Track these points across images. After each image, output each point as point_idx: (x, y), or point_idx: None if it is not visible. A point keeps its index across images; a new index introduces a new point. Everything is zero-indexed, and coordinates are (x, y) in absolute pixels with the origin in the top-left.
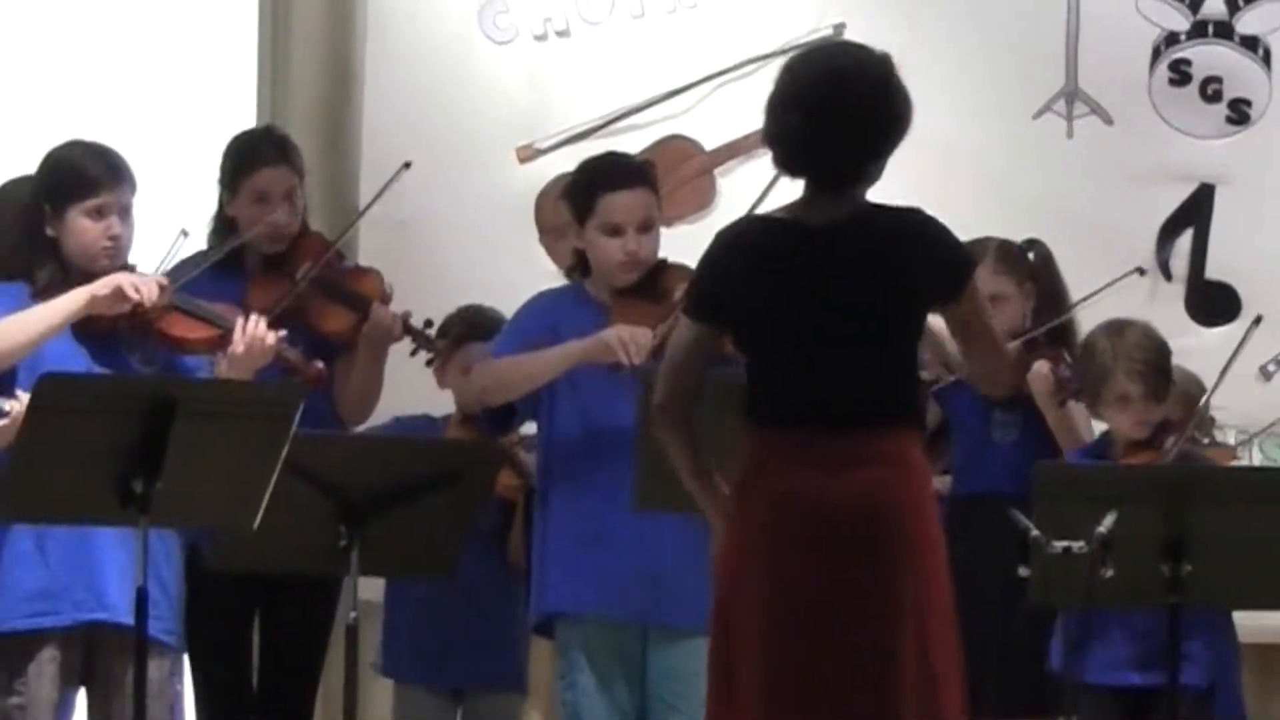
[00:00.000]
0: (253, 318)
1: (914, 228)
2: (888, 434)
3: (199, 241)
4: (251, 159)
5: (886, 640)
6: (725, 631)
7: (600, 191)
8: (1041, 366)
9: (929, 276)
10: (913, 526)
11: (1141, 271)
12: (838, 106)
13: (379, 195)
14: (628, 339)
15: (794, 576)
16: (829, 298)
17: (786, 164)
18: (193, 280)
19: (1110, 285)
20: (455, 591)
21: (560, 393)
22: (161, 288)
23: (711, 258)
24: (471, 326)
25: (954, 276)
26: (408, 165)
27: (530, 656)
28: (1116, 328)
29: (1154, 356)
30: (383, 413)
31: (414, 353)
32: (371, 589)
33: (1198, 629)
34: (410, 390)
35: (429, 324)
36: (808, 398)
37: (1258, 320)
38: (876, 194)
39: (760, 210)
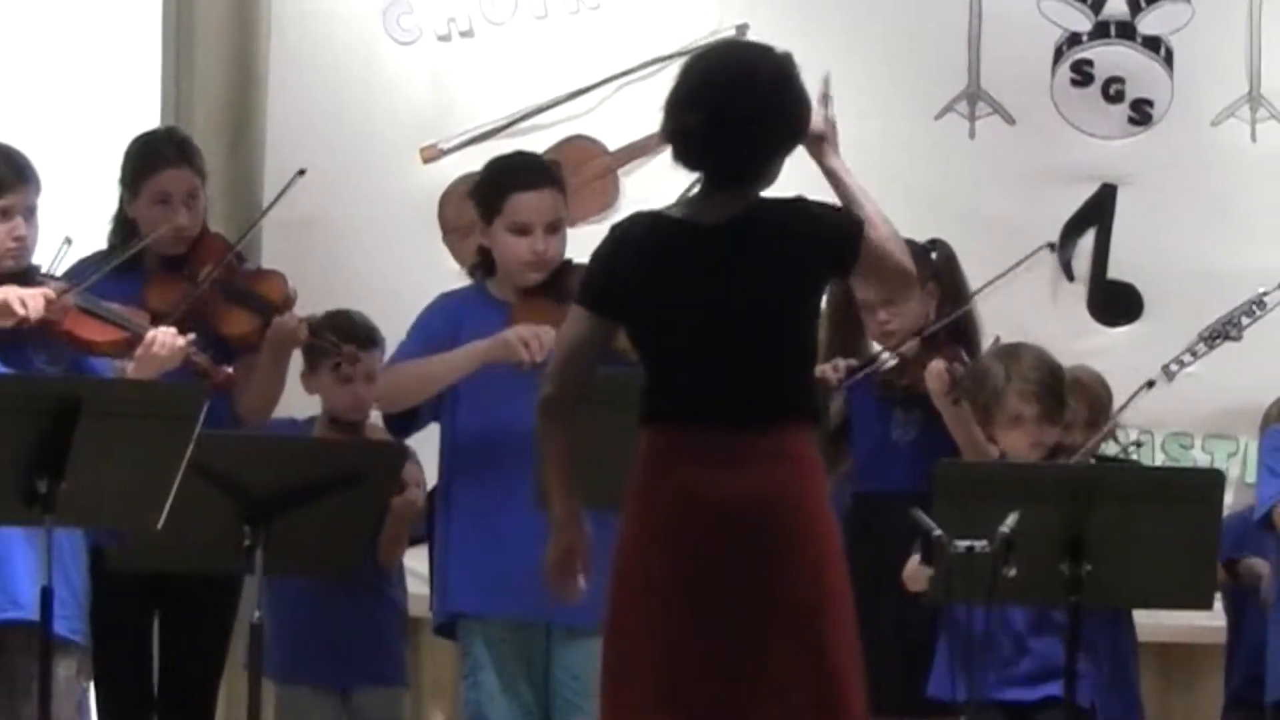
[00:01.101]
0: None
1: (799, 214)
2: (783, 430)
3: (85, 247)
4: (153, 160)
5: (779, 638)
6: (619, 630)
7: (509, 191)
8: (937, 365)
9: (823, 257)
10: (808, 522)
11: (1052, 247)
12: (737, 105)
13: (276, 200)
14: (529, 337)
15: (690, 573)
16: (722, 296)
17: (686, 161)
18: (93, 282)
19: (1020, 264)
20: (330, 590)
21: (462, 393)
22: (49, 300)
23: (605, 252)
24: (345, 334)
25: (848, 244)
26: (302, 172)
27: (432, 655)
28: (1010, 350)
29: (1047, 378)
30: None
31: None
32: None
33: (1085, 646)
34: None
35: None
36: (702, 396)
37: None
38: (780, 192)
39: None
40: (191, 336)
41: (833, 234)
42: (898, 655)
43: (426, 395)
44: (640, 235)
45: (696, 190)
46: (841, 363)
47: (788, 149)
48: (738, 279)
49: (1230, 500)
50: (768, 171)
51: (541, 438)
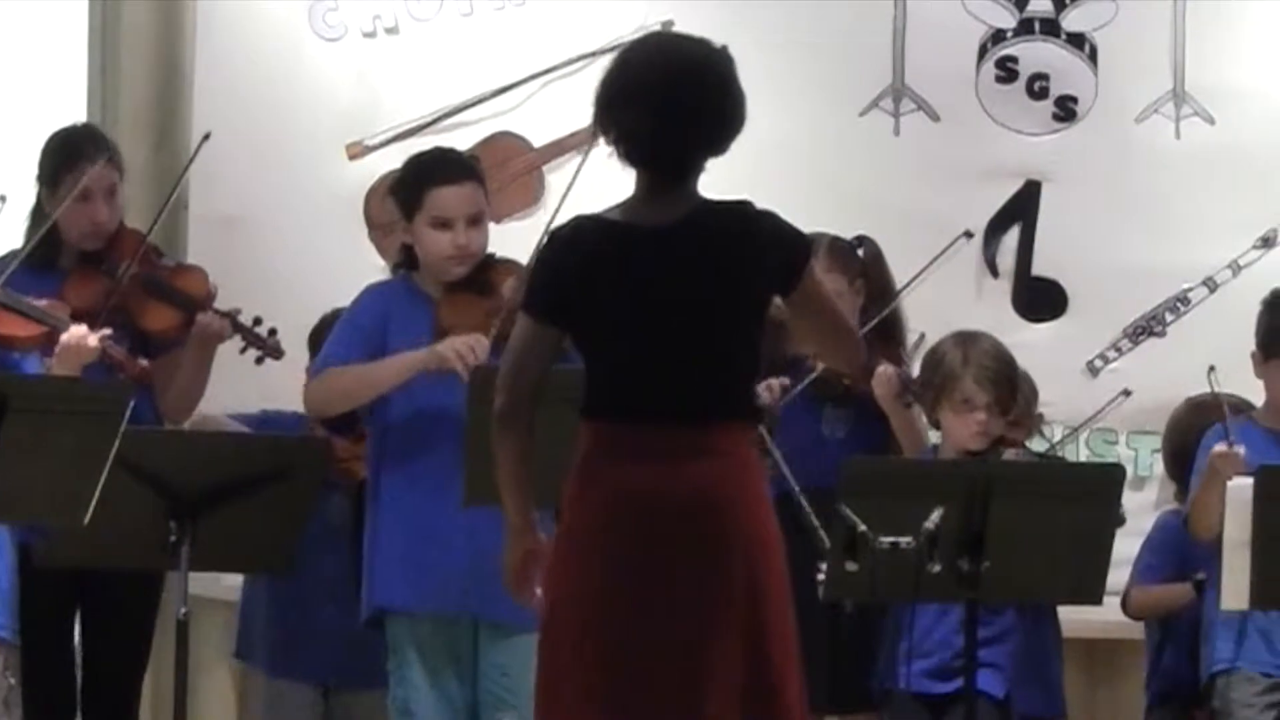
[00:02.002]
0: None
1: (749, 222)
2: (723, 429)
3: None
4: (73, 156)
5: (717, 634)
6: (557, 625)
7: (429, 186)
8: (887, 368)
9: (767, 270)
10: (748, 520)
11: (969, 235)
12: (683, 101)
13: (184, 171)
14: (464, 350)
15: (629, 571)
16: (666, 298)
17: (630, 159)
18: (9, 277)
19: (941, 255)
20: (313, 586)
21: (391, 396)
22: None
23: (547, 257)
24: None
25: (792, 265)
26: (207, 136)
27: None
28: (968, 336)
29: (1003, 367)
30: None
31: (244, 350)
32: (207, 585)
33: (1000, 639)
34: (241, 387)
35: (258, 321)
36: (644, 394)
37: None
38: (705, 192)
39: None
40: (106, 331)
41: (783, 248)
42: (825, 650)
43: (357, 404)
44: (584, 239)
45: (636, 190)
46: (775, 383)
47: (724, 144)
48: (683, 281)
49: (1155, 496)
50: (690, 160)
51: (497, 447)
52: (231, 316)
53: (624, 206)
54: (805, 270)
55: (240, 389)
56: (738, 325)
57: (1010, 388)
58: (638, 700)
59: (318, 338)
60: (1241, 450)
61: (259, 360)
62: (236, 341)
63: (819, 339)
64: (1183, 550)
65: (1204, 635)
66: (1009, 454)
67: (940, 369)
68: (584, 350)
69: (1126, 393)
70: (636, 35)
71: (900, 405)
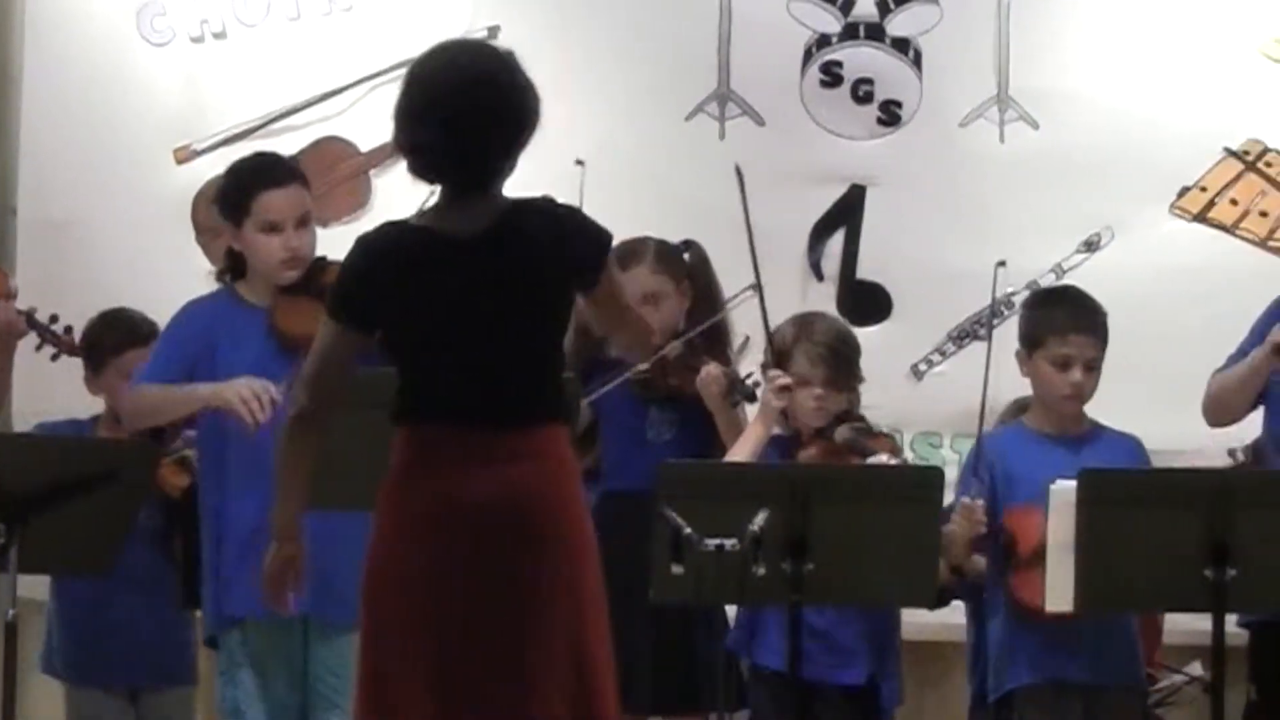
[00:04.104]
0: None
1: (555, 223)
2: (537, 431)
3: None
4: None
5: (540, 634)
6: (375, 630)
7: (256, 191)
8: (713, 368)
9: (574, 269)
10: (564, 521)
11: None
12: (468, 114)
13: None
14: (249, 398)
15: (447, 573)
16: (477, 303)
17: (424, 173)
18: None
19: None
20: (121, 590)
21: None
22: None
23: (354, 264)
24: (127, 332)
25: (596, 262)
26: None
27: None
28: (804, 317)
29: (837, 344)
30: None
31: (39, 347)
32: (31, 588)
33: (860, 630)
34: (50, 389)
35: (54, 319)
36: (460, 398)
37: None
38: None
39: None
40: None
41: (584, 244)
42: (649, 653)
43: (163, 422)
44: (392, 246)
45: (441, 198)
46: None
47: (523, 145)
48: (494, 287)
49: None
50: (506, 168)
51: (285, 448)
52: (28, 314)
53: (431, 213)
54: (607, 266)
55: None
56: (549, 326)
57: (846, 364)
58: (464, 703)
59: (91, 342)
60: (980, 504)
61: (54, 357)
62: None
63: (611, 326)
64: None
65: (991, 654)
66: (840, 429)
67: (776, 348)
68: (396, 356)
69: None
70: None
71: (728, 405)
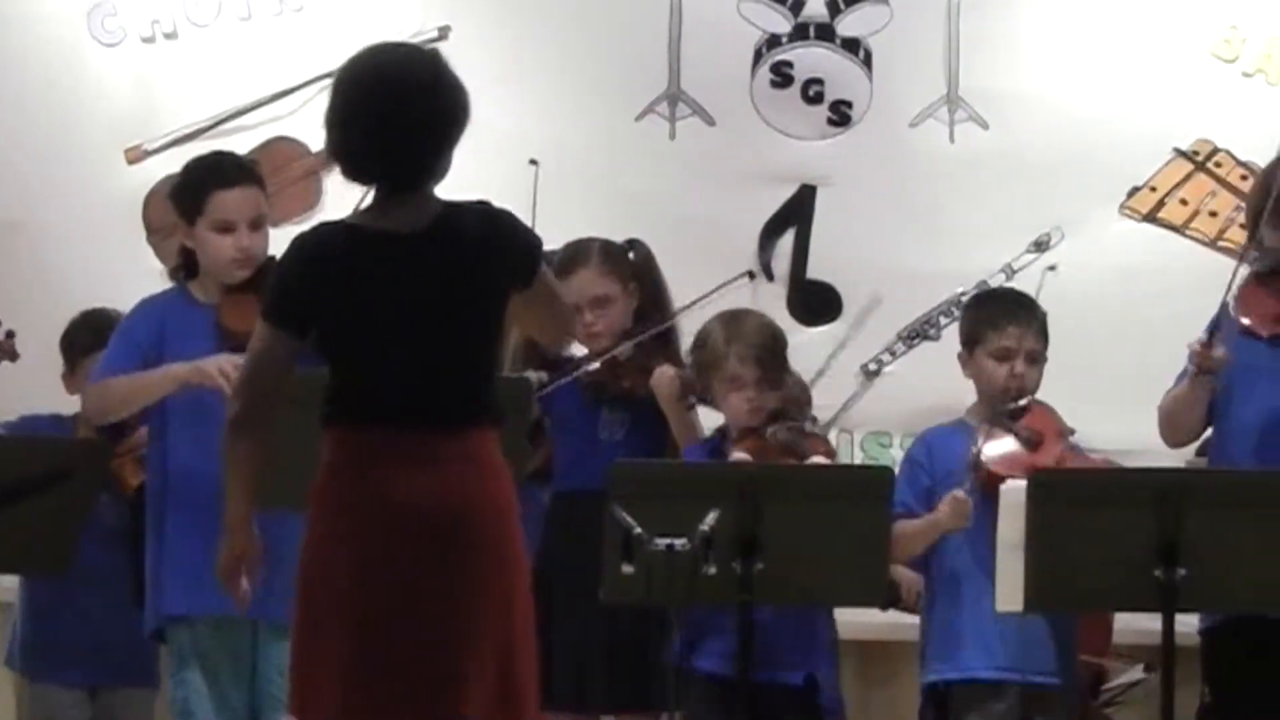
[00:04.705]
0: None
1: (490, 224)
2: (468, 434)
3: None
4: None
5: (467, 637)
6: (305, 628)
7: (211, 190)
8: (667, 370)
9: (509, 271)
10: (493, 525)
11: (751, 275)
12: (395, 117)
13: None
14: (229, 369)
15: (377, 574)
16: (410, 305)
17: (356, 177)
18: None
19: (720, 288)
20: (80, 587)
21: (171, 408)
22: None
23: (290, 265)
24: (103, 332)
25: (530, 265)
26: None
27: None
28: (733, 315)
29: (768, 342)
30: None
31: None
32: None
33: (794, 630)
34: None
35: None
36: (390, 400)
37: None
38: (479, 197)
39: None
40: None
41: (522, 249)
42: (604, 652)
43: (130, 412)
44: (326, 246)
45: (375, 198)
46: (531, 376)
47: (453, 143)
48: (429, 287)
49: None
50: (438, 167)
51: (228, 449)
52: None
53: (366, 212)
54: (540, 268)
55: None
56: (484, 328)
57: (778, 362)
58: (390, 704)
59: (69, 340)
60: (969, 499)
61: None
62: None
63: (542, 324)
64: None
65: (927, 644)
66: (772, 429)
67: (706, 349)
68: (329, 357)
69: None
70: (414, 40)
71: (682, 407)
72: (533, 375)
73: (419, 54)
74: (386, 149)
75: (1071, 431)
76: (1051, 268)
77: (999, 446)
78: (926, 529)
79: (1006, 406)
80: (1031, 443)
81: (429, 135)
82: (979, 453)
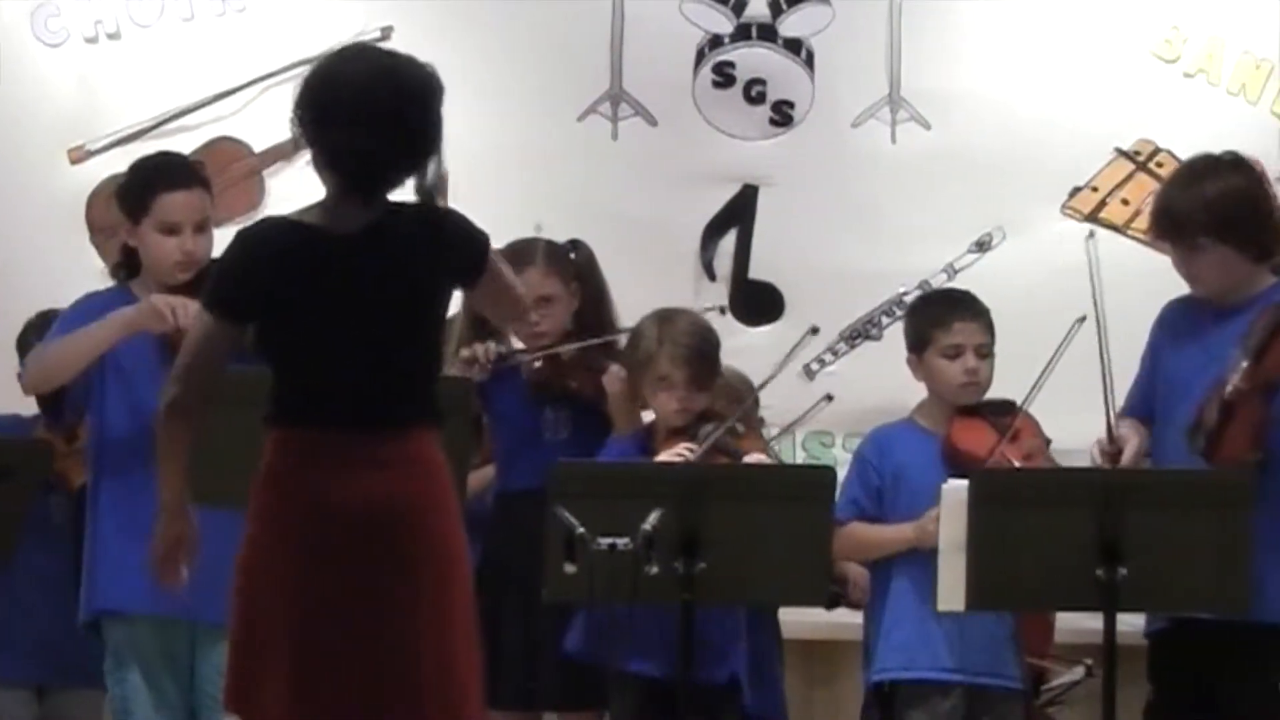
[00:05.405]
0: None
1: (434, 224)
2: (409, 435)
3: None
4: None
5: (408, 637)
6: (243, 627)
7: (157, 191)
8: (619, 370)
9: (452, 270)
10: (435, 526)
11: (723, 310)
12: (407, 123)
13: None
14: (175, 302)
15: (317, 576)
16: (352, 303)
17: (331, 168)
18: None
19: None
20: (31, 588)
21: (110, 388)
22: None
23: (233, 258)
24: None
25: (476, 263)
26: None
27: None
28: (665, 315)
29: (700, 344)
30: None
31: None
32: None
33: (721, 627)
34: None
35: None
36: (330, 400)
37: (814, 331)
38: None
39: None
40: None
41: (462, 247)
42: (552, 652)
43: (74, 371)
44: (270, 241)
45: (327, 196)
46: (493, 346)
47: (417, 166)
48: (370, 286)
49: None
50: (398, 182)
51: (162, 435)
52: None
53: (314, 210)
54: (488, 264)
55: None
56: (426, 329)
57: (708, 363)
58: (326, 702)
59: (24, 340)
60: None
61: None
62: None
63: (495, 307)
64: None
65: (873, 643)
66: (704, 430)
67: (639, 348)
68: (270, 356)
69: (829, 397)
70: (356, 40)
71: (634, 406)
72: (483, 349)
73: (429, 71)
74: (379, 153)
75: (1049, 441)
76: (1091, 235)
77: (970, 433)
78: (893, 542)
79: (990, 401)
80: (1005, 431)
81: (418, 151)
82: (952, 441)
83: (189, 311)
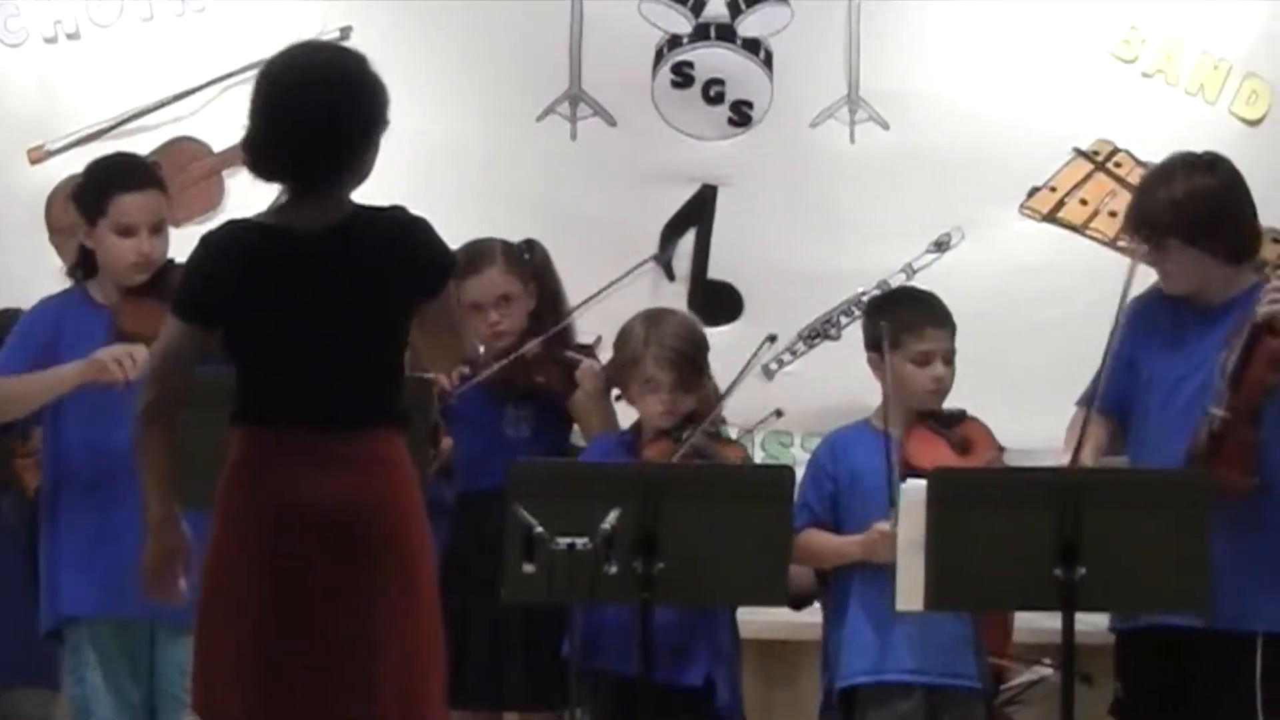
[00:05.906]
0: None
1: (399, 231)
2: (373, 435)
3: None
4: None
5: (372, 637)
6: (211, 630)
7: (113, 192)
8: (593, 365)
9: (415, 278)
10: (398, 525)
11: (656, 259)
12: (301, 115)
13: None
14: (121, 356)
15: (281, 575)
16: (317, 303)
17: (264, 173)
18: None
19: (622, 278)
20: None
21: (65, 407)
22: None
23: (199, 261)
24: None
25: (439, 276)
26: None
27: None
28: (655, 315)
29: (686, 347)
30: None
31: None
32: None
33: (696, 629)
34: None
35: None
36: (295, 399)
37: (772, 339)
38: (381, 197)
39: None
40: None
41: (432, 258)
42: (518, 650)
43: (27, 411)
44: (235, 243)
45: (285, 196)
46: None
47: (369, 147)
48: (335, 287)
49: None
50: (351, 171)
51: (140, 444)
52: None
53: (276, 212)
54: (447, 287)
55: None
56: (389, 331)
57: (695, 366)
58: (290, 700)
59: None
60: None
61: None
62: None
63: (435, 343)
64: None
65: (834, 649)
66: (686, 432)
67: (626, 348)
68: (236, 355)
69: (779, 413)
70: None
71: (607, 402)
72: (446, 378)
73: (344, 54)
74: (297, 147)
75: (1002, 449)
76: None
77: (927, 450)
78: (842, 553)
79: (941, 412)
80: (962, 448)
81: (341, 137)
82: (905, 456)
83: (137, 362)
